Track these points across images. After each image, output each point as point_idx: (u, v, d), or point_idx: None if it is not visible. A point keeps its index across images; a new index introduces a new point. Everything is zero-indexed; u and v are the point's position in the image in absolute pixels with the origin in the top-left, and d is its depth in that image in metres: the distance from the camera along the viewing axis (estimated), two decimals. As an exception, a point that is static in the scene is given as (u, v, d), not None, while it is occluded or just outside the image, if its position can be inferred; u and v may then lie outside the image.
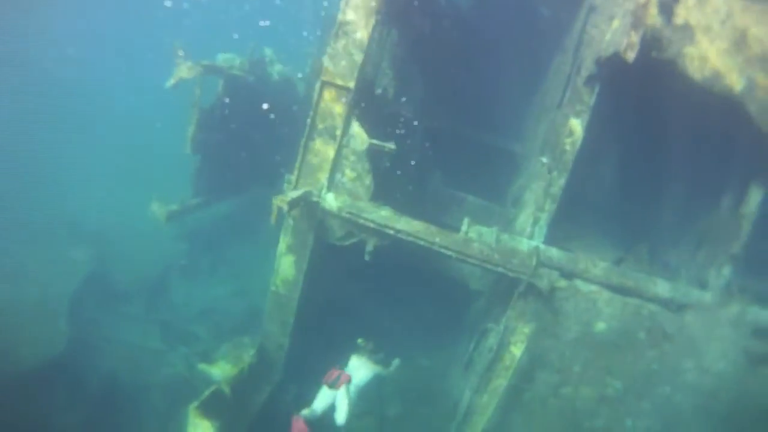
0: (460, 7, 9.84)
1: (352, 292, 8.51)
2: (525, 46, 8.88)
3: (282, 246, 7.26)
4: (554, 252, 6.69)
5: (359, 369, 7.30)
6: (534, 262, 6.39)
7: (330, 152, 6.78)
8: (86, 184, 16.24)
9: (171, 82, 9.21)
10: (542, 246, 6.71)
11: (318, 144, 6.81)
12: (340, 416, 6.98)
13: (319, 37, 11.88)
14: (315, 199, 6.81)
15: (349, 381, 7.10)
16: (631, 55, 5.34)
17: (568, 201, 6.79)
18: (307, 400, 7.16)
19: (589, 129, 6.44)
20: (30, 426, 8.15)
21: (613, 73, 6.05)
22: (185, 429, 6.52)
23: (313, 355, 8.15)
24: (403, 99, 8.27)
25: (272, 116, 10.73)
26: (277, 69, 11.59)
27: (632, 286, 6.61)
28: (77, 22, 27.47)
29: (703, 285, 6.80)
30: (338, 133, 6.69)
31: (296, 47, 13.45)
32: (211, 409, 6.60)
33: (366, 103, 6.96)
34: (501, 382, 6.83)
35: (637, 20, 5.39)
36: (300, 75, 12.73)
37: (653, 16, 5.47)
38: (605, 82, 6.27)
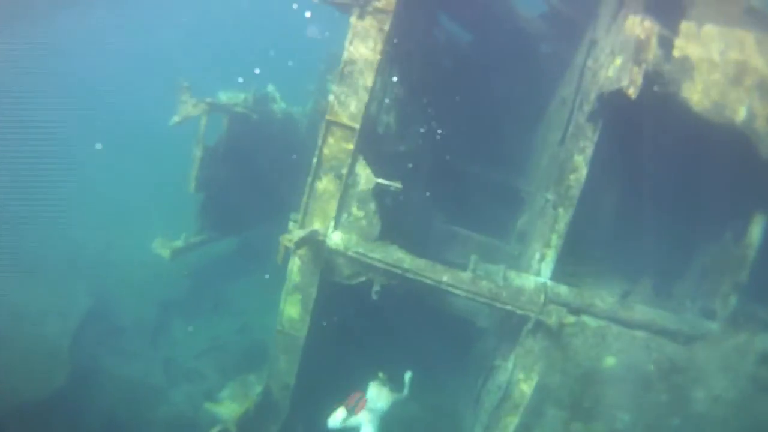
0: (460, 45, 10.00)
1: (358, 329, 8.46)
2: (526, 81, 9.01)
3: (288, 285, 7.23)
4: (562, 288, 6.69)
5: (379, 398, 7.27)
6: (542, 299, 6.40)
7: (336, 191, 6.81)
8: (87, 216, 16.24)
9: (176, 119, 9.30)
10: (550, 282, 6.72)
11: (324, 183, 6.85)
12: None
13: (322, 73, 12.05)
14: (321, 238, 6.83)
15: (365, 406, 7.10)
16: (633, 92, 5.43)
17: (572, 236, 6.83)
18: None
19: (592, 164, 6.51)
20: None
21: (616, 109, 6.13)
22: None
23: (319, 393, 8.08)
24: (406, 136, 8.36)
25: (294, 157, 10.75)
26: (280, 106, 11.71)
27: (640, 319, 6.60)
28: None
29: (709, 315, 6.80)
30: (344, 172, 6.73)
31: (298, 83, 13.61)
32: (218, 449, 6.54)
33: (370, 141, 7.03)
34: (512, 420, 6.78)
35: (638, 56, 5.49)
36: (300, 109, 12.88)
37: (654, 51, 5.57)
38: (608, 118, 6.35)
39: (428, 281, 6.58)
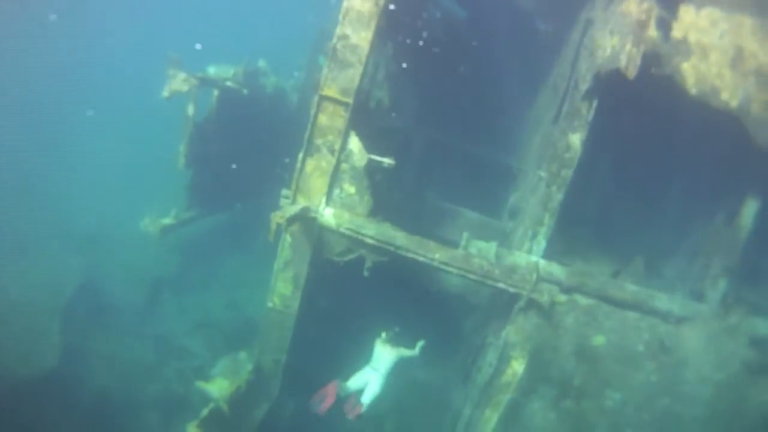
0: (456, 20, 9.85)
1: (349, 305, 8.45)
2: (521, 59, 8.90)
3: (279, 262, 7.18)
4: (554, 267, 6.70)
5: (383, 355, 7.51)
6: (534, 278, 6.40)
7: (328, 167, 6.72)
8: (78, 192, 16.04)
9: (165, 93, 9.10)
10: (542, 261, 6.72)
11: (316, 159, 6.75)
12: (368, 397, 7.38)
13: (313, 46, 11.85)
14: (313, 214, 6.76)
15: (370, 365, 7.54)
16: (632, 72, 5.38)
17: (565, 214, 6.81)
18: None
19: (586, 143, 6.47)
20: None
21: (611, 88, 6.08)
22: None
23: (310, 369, 8.09)
24: (398, 112, 8.26)
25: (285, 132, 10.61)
26: (271, 81, 11.53)
27: (630, 299, 6.63)
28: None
29: (699, 297, 6.85)
30: (336, 148, 6.63)
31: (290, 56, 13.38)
32: (210, 428, 6.52)
33: (362, 116, 6.93)
34: (503, 397, 6.82)
35: (637, 36, 5.43)
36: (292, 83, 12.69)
37: (652, 32, 5.52)
38: (603, 97, 6.29)
39: (420, 258, 6.55)
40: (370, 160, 6.68)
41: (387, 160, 6.72)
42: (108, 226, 13.61)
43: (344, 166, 6.75)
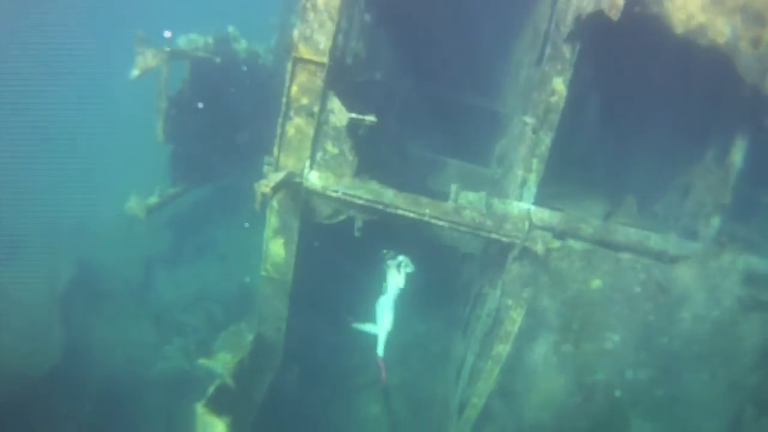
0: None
1: (343, 265, 8.41)
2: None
3: (269, 230, 7.08)
4: (546, 213, 6.62)
5: (395, 280, 8.25)
6: (527, 226, 6.33)
7: (309, 130, 6.52)
8: (55, 184, 15.81)
9: (135, 72, 8.82)
10: (533, 208, 6.64)
11: (296, 123, 6.55)
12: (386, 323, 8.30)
13: (284, 5, 11.47)
14: (298, 179, 6.63)
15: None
16: (615, 13, 5.18)
17: (553, 159, 6.70)
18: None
19: (571, 86, 6.29)
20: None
21: (595, 30, 5.87)
22: (193, 427, 6.44)
23: (311, 332, 8.11)
24: (376, 64, 8.01)
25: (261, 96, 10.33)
26: (242, 46, 11.17)
27: (624, 241, 6.60)
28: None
29: (692, 235, 6.82)
30: (316, 110, 6.42)
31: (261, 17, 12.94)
32: (219, 404, 6.54)
33: (339, 75, 6.71)
34: (503, 347, 6.84)
35: (621, -24, 5.19)
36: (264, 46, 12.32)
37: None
38: (586, 39, 6.09)
39: (410, 215, 6.46)
40: (351, 119, 6.49)
41: (368, 118, 6.52)
42: (95, 211, 13.42)
43: (325, 127, 6.56)
